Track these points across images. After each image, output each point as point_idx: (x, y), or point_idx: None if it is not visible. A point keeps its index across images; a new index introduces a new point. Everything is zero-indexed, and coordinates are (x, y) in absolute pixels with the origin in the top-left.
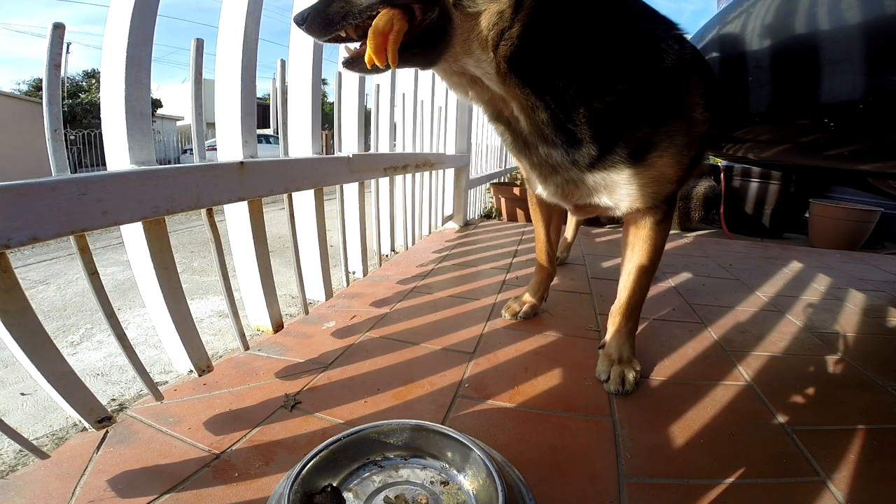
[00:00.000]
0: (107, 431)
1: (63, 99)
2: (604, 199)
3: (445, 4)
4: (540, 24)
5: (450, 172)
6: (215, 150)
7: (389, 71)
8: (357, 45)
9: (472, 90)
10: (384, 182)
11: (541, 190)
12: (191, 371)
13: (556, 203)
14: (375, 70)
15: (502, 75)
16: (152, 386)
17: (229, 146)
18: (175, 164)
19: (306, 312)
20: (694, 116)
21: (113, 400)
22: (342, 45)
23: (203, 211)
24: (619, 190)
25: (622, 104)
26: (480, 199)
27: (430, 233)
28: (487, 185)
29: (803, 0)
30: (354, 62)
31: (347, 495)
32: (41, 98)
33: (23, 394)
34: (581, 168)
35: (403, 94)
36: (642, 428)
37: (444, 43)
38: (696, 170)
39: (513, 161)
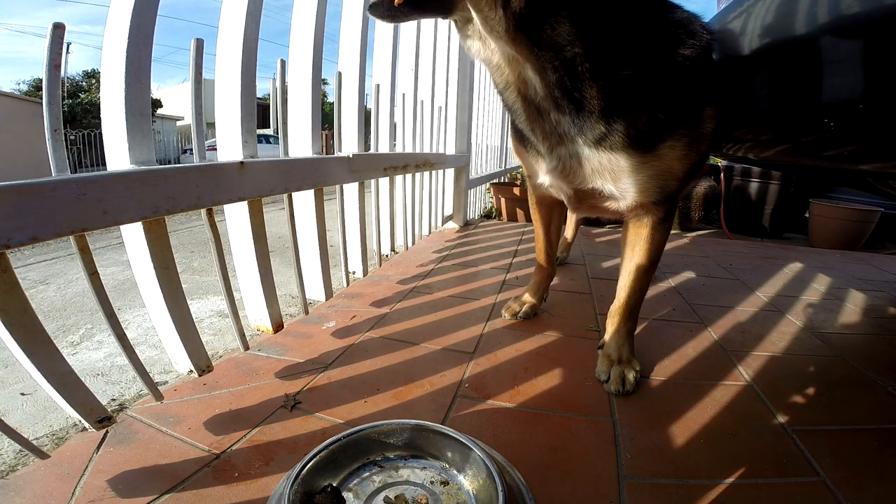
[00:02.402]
0: (107, 431)
1: (63, 99)
2: (608, 186)
3: None
4: None
5: (450, 172)
6: (215, 150)
7: (389, 70)
8: None
9: (486, 50)
10: (384, 182)
11: (544, 168)
12: (191, 371)
13: (557, 185)
14: (397, 16)
15: (511, 36)
16: (152, 386)
17: (229, 146)
18: (175, 164)
19: (306, 312)
20: (708, 112)
21: (113, 400)
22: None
23: (203, 211)
24: (624, 178)
25: (646, 78)
26: (480, 199)
27: (430, 233)
28: (487, 185)
29: (803, 0)
30: (376, 6)
31: (347, 495)
32: (41, 98)
33: (23, 394)
34: (589, 142)
35: (403, 94)
36: (642, 428)
37: None
38: (699, 172)
39: (513, 161)
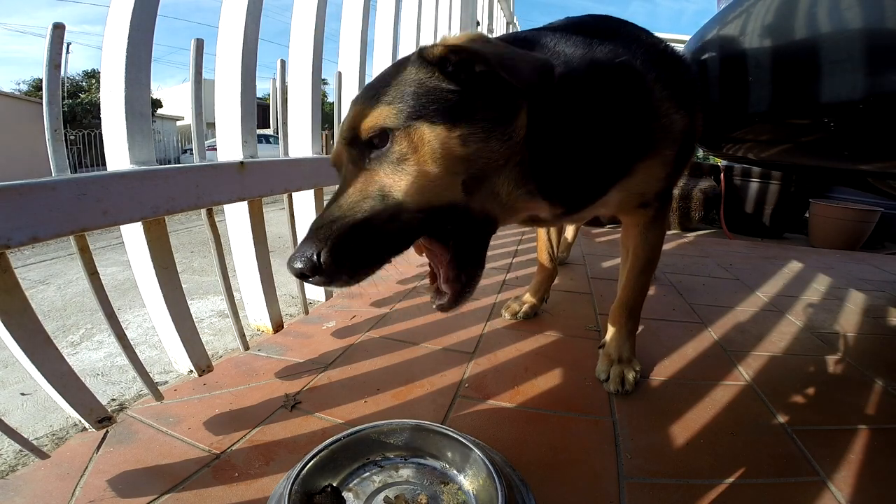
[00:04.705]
0: (107, 431)
1: (63, 99)
2: (599, 210)
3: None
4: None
5: None
6: (215, 150)
7: None
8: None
9: None
10: None
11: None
12: (191, 371)
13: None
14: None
15: None
16: (152, 386)
17: (229, 146)
18: (175, 164)
19: (306, 312)
20: (671, 119)
21: (113, 400)
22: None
23: (203, 211)
24: (609, 202)
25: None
26: None
27: None
28: None
29: (803, 0)
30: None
31: (347, 495)
32: (41, 98)
33: (23, 394)
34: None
35: None
36: (642, 428)
37: None
38: (686, 166)
39: None
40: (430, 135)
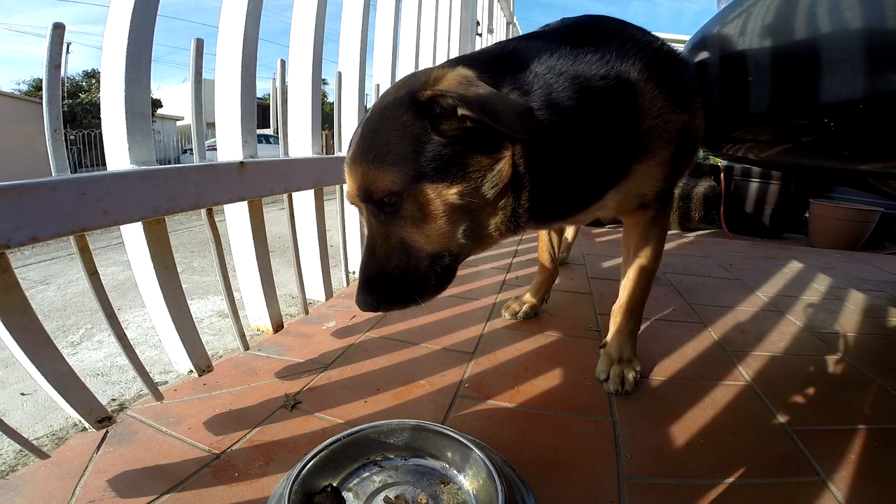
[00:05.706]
0: (107, 431)
1: (63, 99)
2: (598, 213)
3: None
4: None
5: None
6: (215, 150)
7: (389, 70)
8: None
9: None
10: None
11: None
12: (191, 371)
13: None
14: None
15: None
16: (152, 386)
17: (229, 146)
18: (175, 164)
19: (306, 312)
20: (665, 118)
21: (113, 400)
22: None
23: (203, 211)
24: (607, 205)
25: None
26: None
27: None
28: None
29: (803, 0)
30: None
31: (347, 495)
32: (41, 98)
33: (23, 394)
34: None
35: None
36: (642, 428)
37: None
38: (687, 166)
39: None
40: (433, 194)
